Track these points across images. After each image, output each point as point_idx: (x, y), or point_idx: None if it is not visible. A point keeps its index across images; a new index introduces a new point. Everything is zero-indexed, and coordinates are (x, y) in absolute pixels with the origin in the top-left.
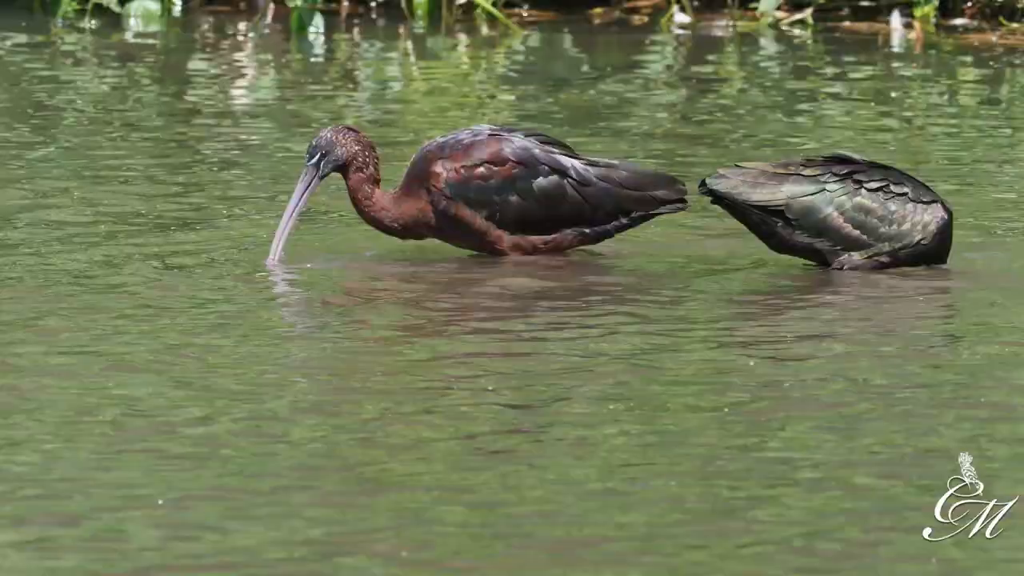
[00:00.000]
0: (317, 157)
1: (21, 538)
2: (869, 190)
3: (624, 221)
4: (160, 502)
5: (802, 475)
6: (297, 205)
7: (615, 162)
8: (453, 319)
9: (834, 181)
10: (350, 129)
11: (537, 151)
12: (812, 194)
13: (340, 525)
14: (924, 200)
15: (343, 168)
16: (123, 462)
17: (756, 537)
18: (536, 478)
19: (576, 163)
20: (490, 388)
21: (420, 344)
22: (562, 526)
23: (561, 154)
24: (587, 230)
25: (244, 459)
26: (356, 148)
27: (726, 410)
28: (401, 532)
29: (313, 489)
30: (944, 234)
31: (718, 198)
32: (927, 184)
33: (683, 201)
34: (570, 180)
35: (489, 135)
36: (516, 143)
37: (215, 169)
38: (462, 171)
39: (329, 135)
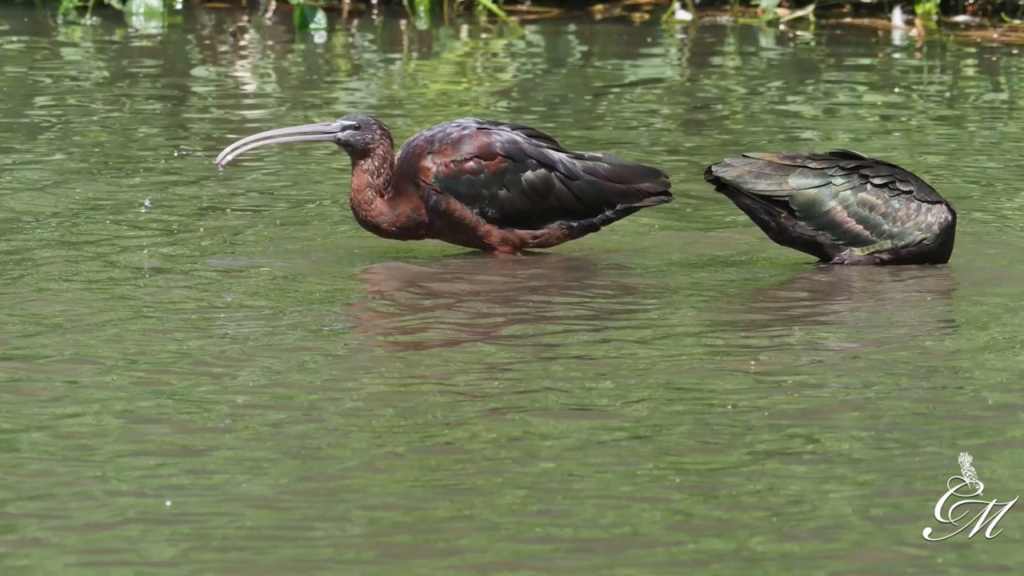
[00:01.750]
0: (349, 123)
1: (29, 539)
2: (875, 186)
3: (609, 214)
4: (168, 503)
5: (802, 475)
6: (296, 134)
7: (599, 155)
8: (457, 320)
9: (840, 175)
10: (390, 136)
11: (525, 145)
12: (817, 186)
13: (347, 524)
14: (929, 200)
15: (355, 154)
16: (125, 465)
17: (756, 537)
18: (533, 478)
19: (563, 156)
20: (495, 388)
21: (419, 345)
22: (572, 527)
23: (548, 148)
24: (574, 223)
25: (246, 459)
26: (380, 151)
27: (730, 407)
28: (415, 533)
29: (327, 489)
30: (947, 235)
31: (722, 186)
32: (932, 187)
33: (667, 194)
34: (558, 174)
35: (476, 128)
36: (504, 136)
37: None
38: (452, 165)
39: (372, 121)
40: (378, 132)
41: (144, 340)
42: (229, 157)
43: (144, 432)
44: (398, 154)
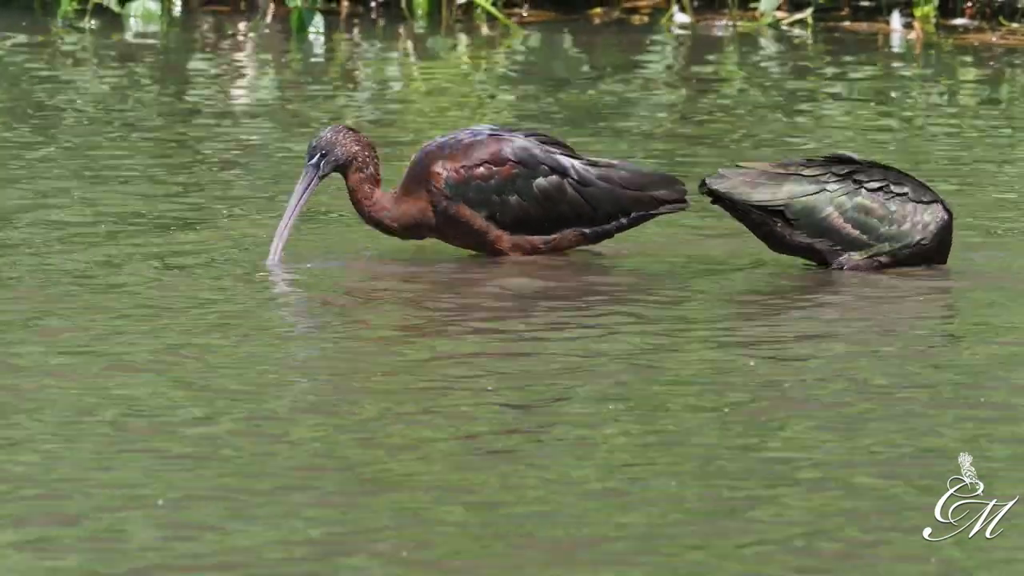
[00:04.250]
0: (317, 157)
1: (21, 538)
2: (869, 190)
3: (624, 221)
4: (160, 502)
5: (802, 475)
6: (297, 204)
7: (615, 162)
8: (453, 319)
9: (834, 181)
10: (350, 129)
11: (537, 151)
12: (812, 194)
13: (340, 525)
14: (924, 200)
15: (343, 168)
16: (123, 462)
17: (756, 537)
18: (536, 478)
19: (576, 163)
20: (490, 388)
21: (420, 344)
22: (562, 526)
23: (561, 154)
24: (587, 230)
25: (244, 459)
26: (356, 148)
27: (726, 410)
28: (401, 532)
29: (313, 489)
30: (944, 234)
31: (718, 198)
32: (927, 185)
33: (683, 201)
34: (570, 180)
35: (489, 135)
36: (516, 143)
37: (215, 169)
38: (462, 171)
39: (329, 135)
40: (342, 137)
41: (142, 340)
42: (279, 252)
43: (117, 428)
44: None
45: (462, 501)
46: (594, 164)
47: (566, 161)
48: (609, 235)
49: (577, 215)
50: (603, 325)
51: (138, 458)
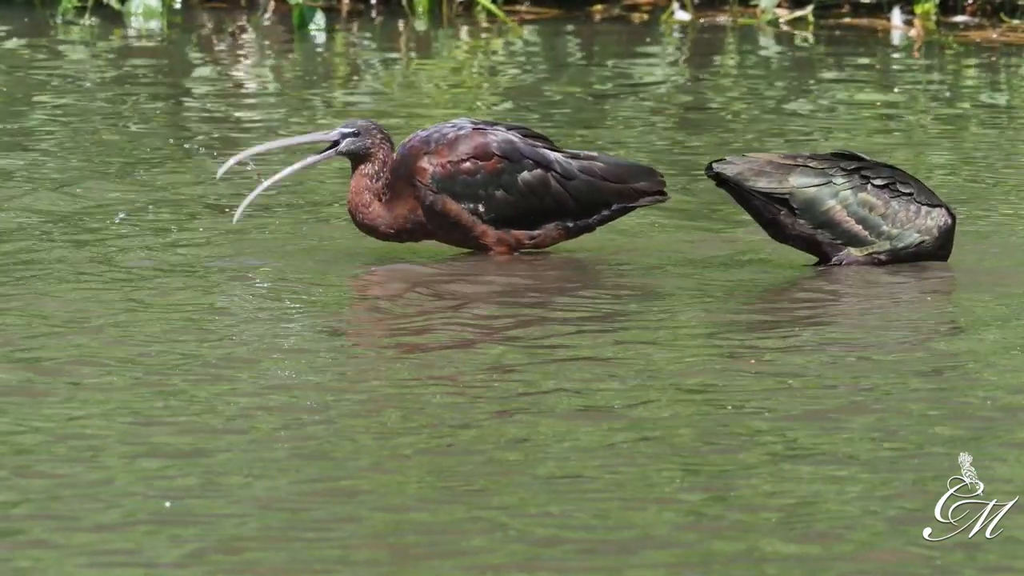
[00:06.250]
0: (349, 131)
1: (35, 540)
2: (875, 187)
3: (605, 213)
4: (167, 504)
5: (803, 475)
6: (296, 170)
7: (594, 154)
8: (461, 321)
9: (841, 175)
10: (389, 140)
11: (521, 145)
12: (818, 185)
13: (357, 526)
14: (929, 203)
15: (356, 159)
16: (142, 464)
17: (756, 537)
18: (541, 479)
19: (559, 156)
20: (501, 389)
21: (432, 348)
22: (581, 528)
23: (544, 147)
24: (570, 224)
25: (257, 462)
26: (380, 155)
27: (730, 408)
28: (423, 534)
29: (369, 492)
30: (945, 239)
31: (723, 182)
32: (932, 190)
33: (663, 193)
34: (554, 173)
35: (472, 129)
36: (500, 136)
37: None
38: (448, 165)
39: (370, 125)
40: (378, 137)
41: (148, 342)
42: (229, 164)
43: (149, 434)
44: (394, 154)
45: (473, 501)
46: (575, 157)
47: (550, 154)
48: (591, 229)
49: (561, 209)
50: (607, 325)
51: (146, 461)
